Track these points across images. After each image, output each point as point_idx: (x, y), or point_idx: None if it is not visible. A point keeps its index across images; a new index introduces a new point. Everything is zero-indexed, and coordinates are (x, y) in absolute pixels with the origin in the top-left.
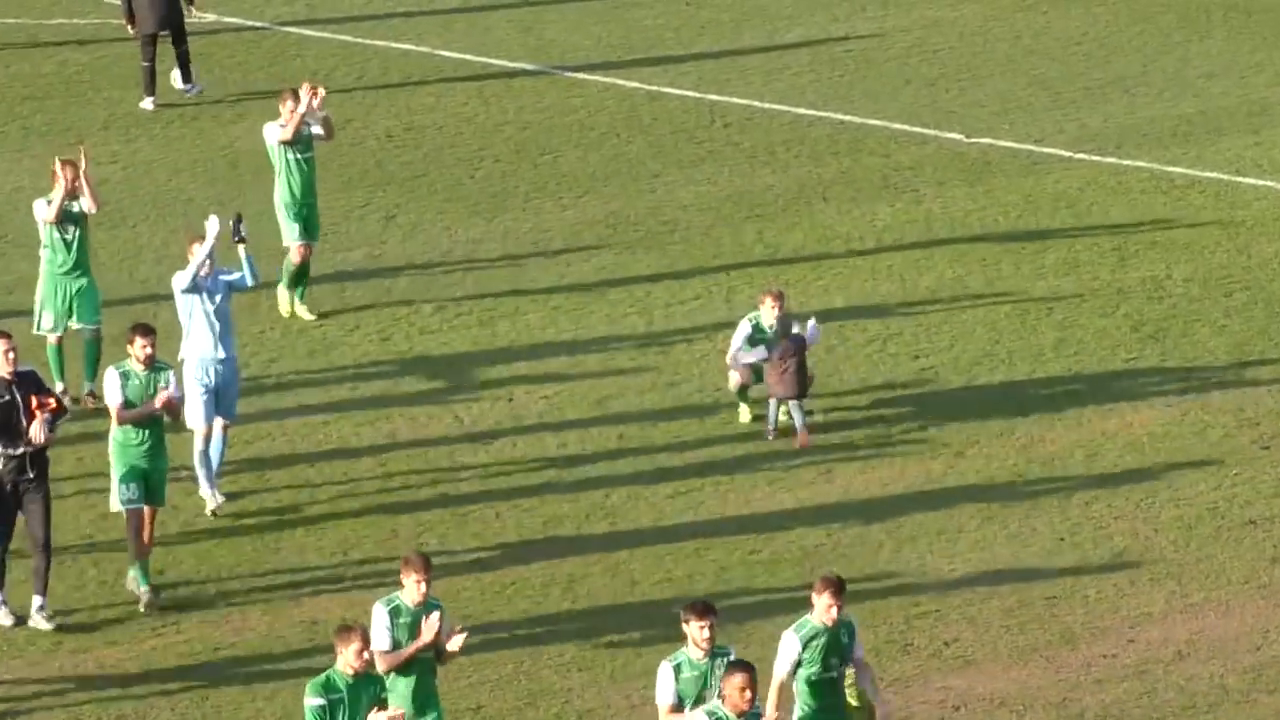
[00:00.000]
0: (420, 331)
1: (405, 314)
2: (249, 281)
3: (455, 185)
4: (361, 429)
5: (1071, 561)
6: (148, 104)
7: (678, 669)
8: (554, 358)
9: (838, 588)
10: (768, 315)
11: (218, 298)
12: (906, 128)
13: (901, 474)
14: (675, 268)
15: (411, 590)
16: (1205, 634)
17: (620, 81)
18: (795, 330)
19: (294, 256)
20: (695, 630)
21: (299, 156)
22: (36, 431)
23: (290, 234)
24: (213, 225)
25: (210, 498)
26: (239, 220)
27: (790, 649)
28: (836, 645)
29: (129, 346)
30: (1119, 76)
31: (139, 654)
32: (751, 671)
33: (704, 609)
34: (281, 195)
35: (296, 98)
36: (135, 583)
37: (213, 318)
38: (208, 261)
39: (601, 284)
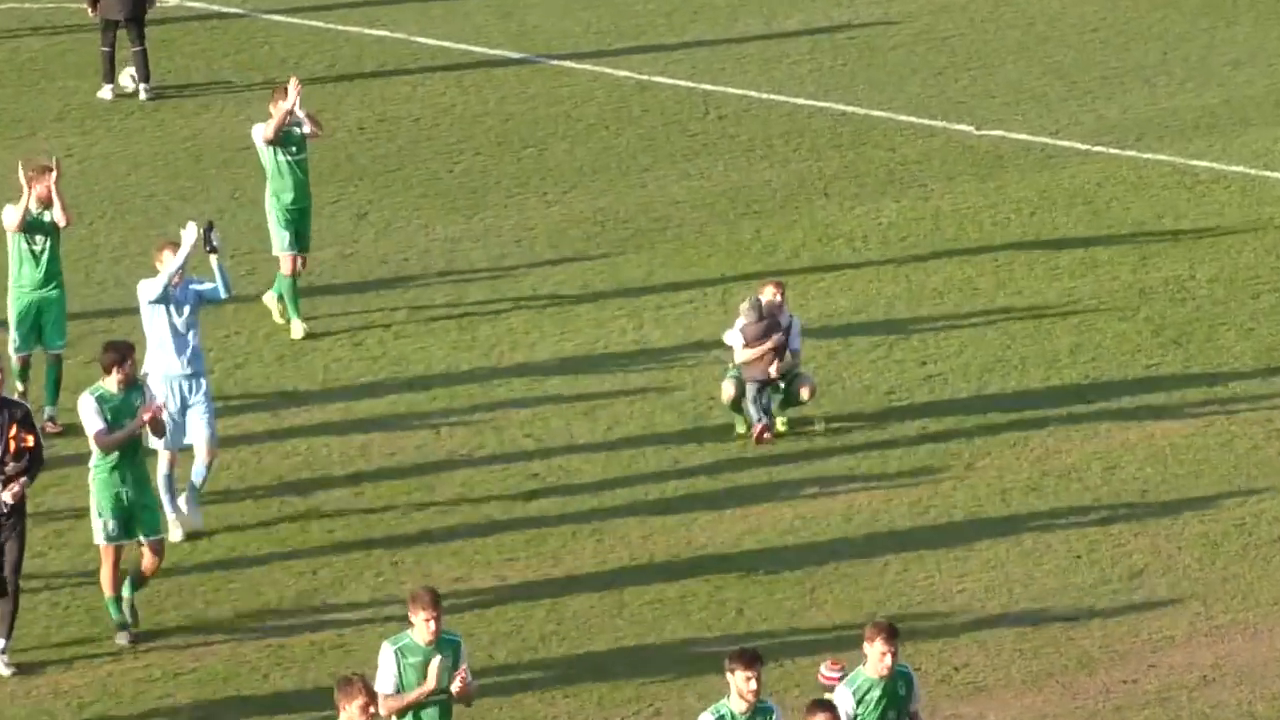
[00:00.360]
0: (395, 337)
1: (379, 318)
2: (222, 294)
3: (432, 180)
4: (331, 441)
5: (1089, 581)
6: (106, 93)
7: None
8: (538, 365)
9: (890, 634)
10: (767, 295)
11: (187, 309)
12: (913, 119)
13: (908, 488)
14: (667, 268)
15: (421, 629)
16: (1232, 658)
17: (609, 70)
18: (773, 317)
19: (284, 267)
20: (741, 681)
21: (288, 158)
22: (7, 497)
23: (279, 242)
24: (190, 233)
25: (181, 521)
26: (210, 228)
27: (844, 704)
28: (894, 698)
29: (106, 375)
30: (1139, 65)
31: (96, 680)
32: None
33: (751, 658)
34: (270, 200)
35: (286, 94)
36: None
37: (181, 331)
38: (179, 271)
39: (589, 286)
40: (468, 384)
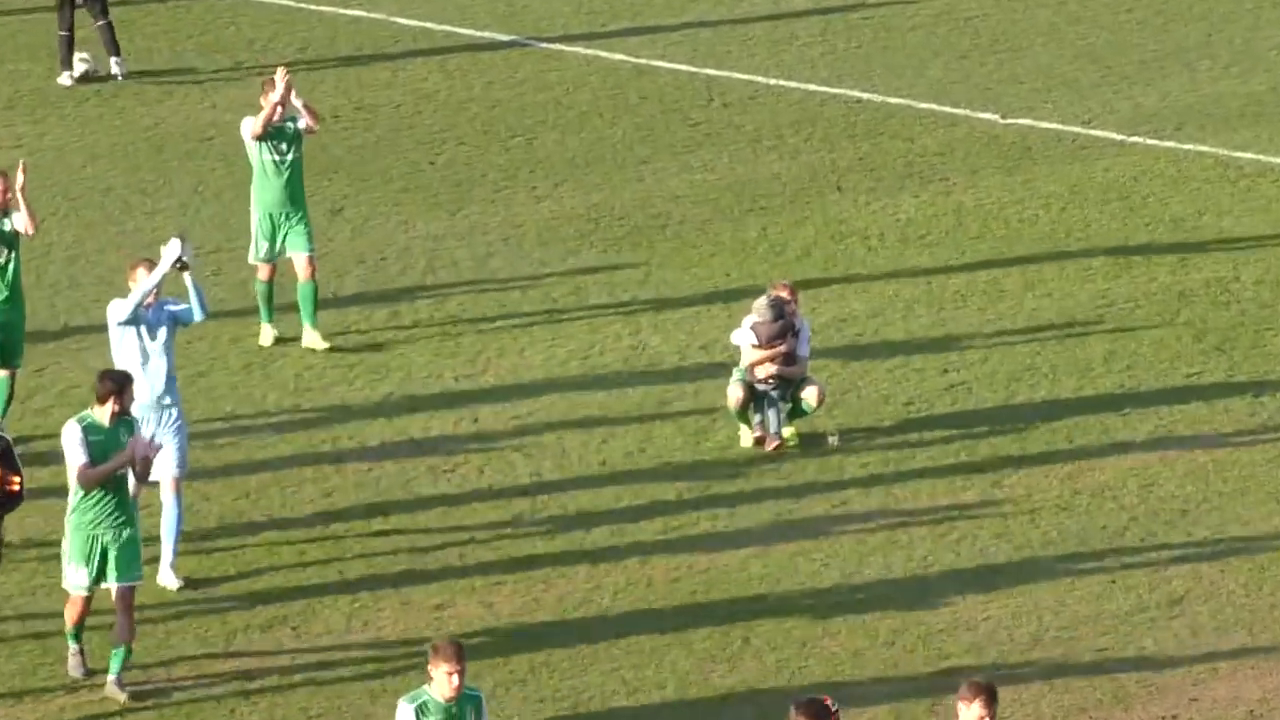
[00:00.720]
0: (371, 343)
1: (355, 321)
2: (197, 315)
3: (413, 173)
4: (303, 454)
5: (1125, 607)
6: (65, 79)
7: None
8: (527, 374)
9: (990, 696)
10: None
11: (161, 332)
12: (933, 107)
13: (929, 507)
14: (667, 269)
15: (442, 683)
16: None
17: (603, 53)
18: (787, 318)
19: (260, 274)
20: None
21: (275, 157)
22: None
23: (255, 250)
24: (172, 249)
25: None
26: (183, 242)
27: None
28: None
29: (99, 405)
30: (1179, 47)
31: (48, 715)
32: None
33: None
34: (254, 203)
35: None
36: (77, 664)
37: (153, 356)
38: (154, 291)
39: (582, 288)
40: (451, 395)
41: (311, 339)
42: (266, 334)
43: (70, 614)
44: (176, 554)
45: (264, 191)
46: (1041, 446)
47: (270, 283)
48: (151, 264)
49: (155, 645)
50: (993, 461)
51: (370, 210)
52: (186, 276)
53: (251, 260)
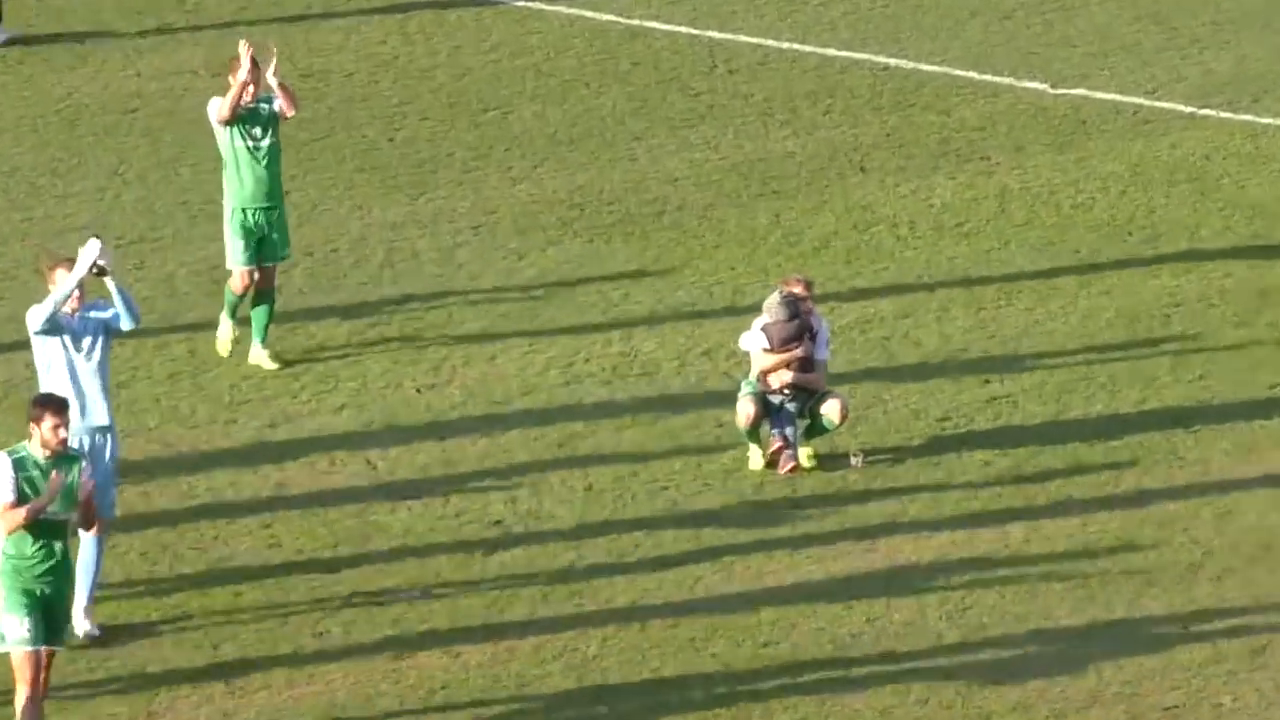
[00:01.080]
0: (319, 348)
1: (302, 323)
2: (125, 322)
3: (369, 151)
4: (242, 478)
5: (1199, 659)
6: None
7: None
8: (499, 383)
9: None
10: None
11: (88, 343)
12: (973, 75)
13: (967, 540)
14: (663, 262)
15: (47, 435)
16: None
17: (590, 14)
18: (803, 318)
19: (233, 282)
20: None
21: (248, 144)
22: None
23: (233, 253)
24: (87, 253)
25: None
26: (100, 244)
27: None
28: None
29: (34, 427)
30: (1257, 7)
31: None
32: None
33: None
34: (226, 197)
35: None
36: None
37: (81, 372)
38: (76, 293)
39: (565, 284)
40: (412, 410)
41: (259, 356)
42: (224, 334)
43: (24, 681)
44: (93, 599)
45: (237, 184)
46: (1099, 470)
47: (245, 296)
48: (72, 263)
49: (65, 708)
50: (1042, 488)
51: (320, 194)
52: (109, 282)
53: (231, 265)
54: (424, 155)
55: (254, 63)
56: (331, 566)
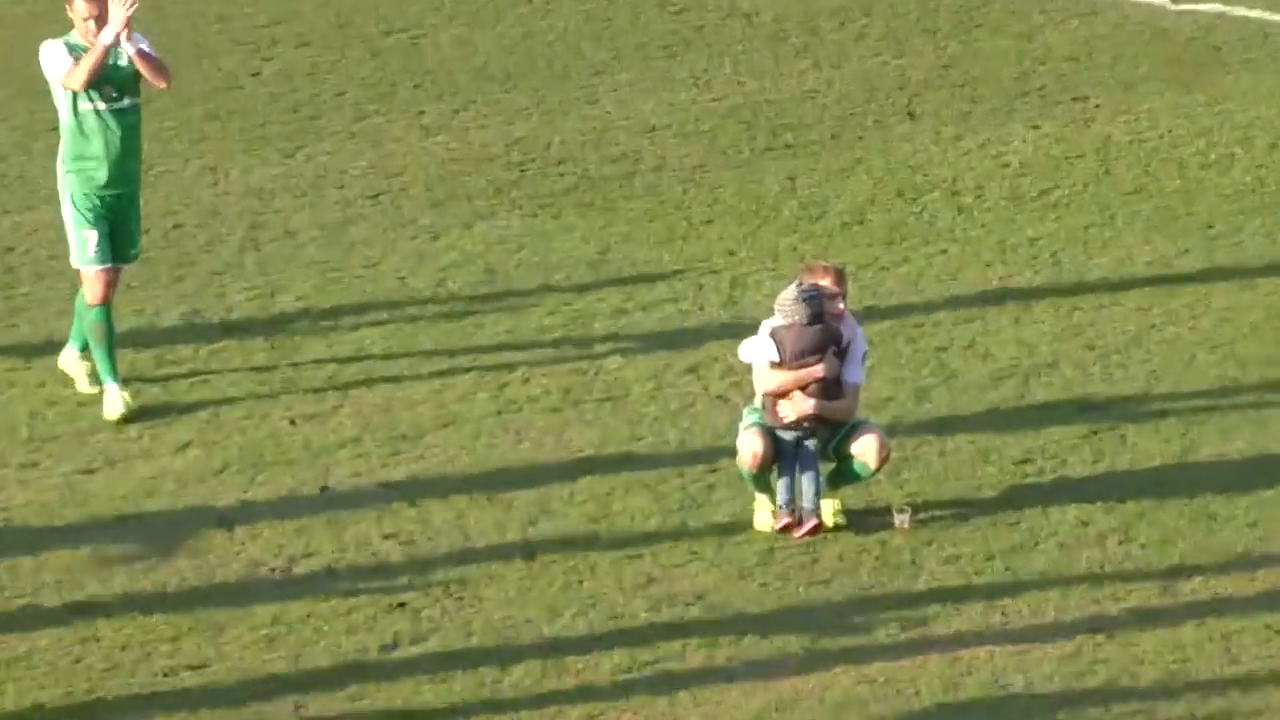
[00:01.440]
0: (159, 359)
1: (133, 327)
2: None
3: (226, 90)
4: (42, 535)
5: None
6: None
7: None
8: (408, 408)
9: None
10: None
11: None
12: None
13: (1053, 626)
14: (634, 242)
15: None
16: None
17: None
18: (830, 322)
19: (88, 292)
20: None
21: (100, 106)
22: None
23: (79, 249)
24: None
25: None
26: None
27: None
28: None
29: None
30: None
31: None
32: None
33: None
34: (63, 175)
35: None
36: None
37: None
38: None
39: (496, 272)
40: (285, 446)
41: (73, 366)
42: (112, 401)
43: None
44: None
45: (81, 157)
46: (1239, 528)
47: (105, 306)
48: None
49: None
50: (1160, 553)
51: (157, 149)
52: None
53: (76, 263)
54: (302, 97)
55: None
56: (169, 671)
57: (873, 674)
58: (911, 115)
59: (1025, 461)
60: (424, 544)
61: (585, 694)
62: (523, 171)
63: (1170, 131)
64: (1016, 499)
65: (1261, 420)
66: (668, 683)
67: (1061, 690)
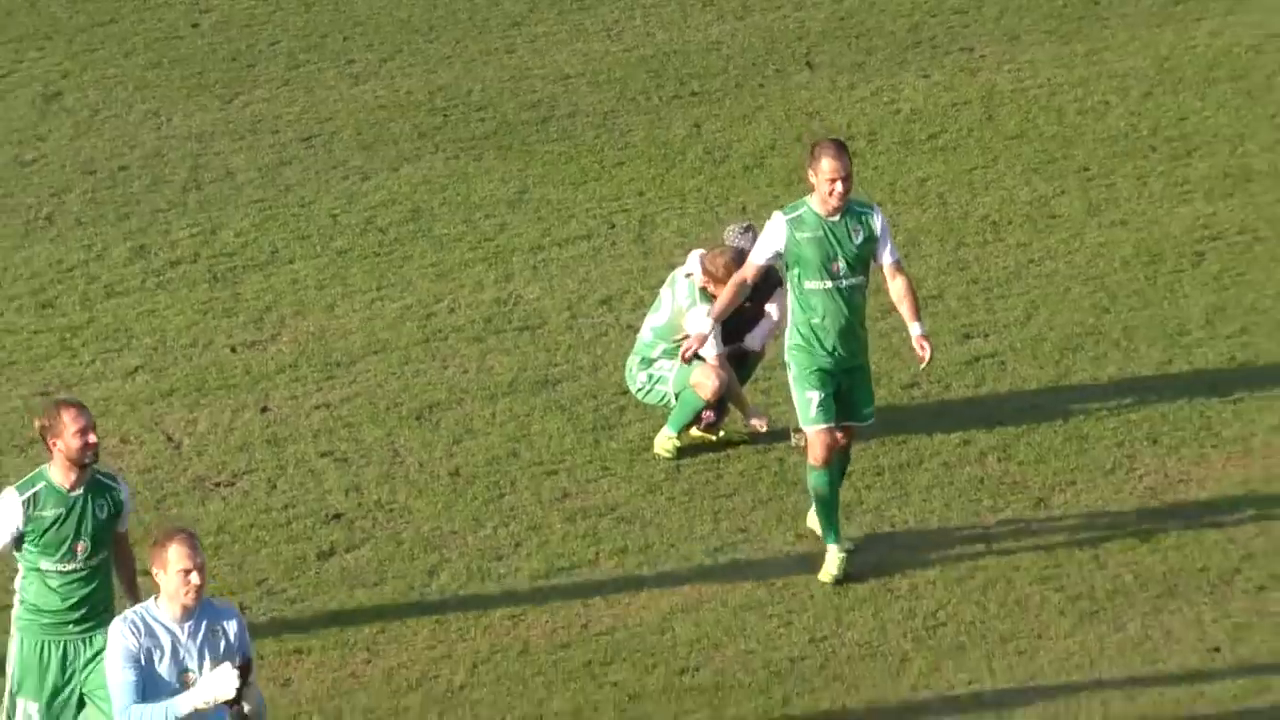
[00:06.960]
0: (108, 290)
1: (83, 262)
2: None
3: (166, 39)
4: (3, 460)
5: (1233, 690)
6: None
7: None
8: (339, 339)
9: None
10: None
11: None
12: None
13: (939, 538)
14: (550, 184)
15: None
16: None
17: None
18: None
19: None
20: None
21: (826, 285)
22: None
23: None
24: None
25: None
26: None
27: None
28: None
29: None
30: None
31: None
32: None
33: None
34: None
35: None
36: None
37: None
38: None
39: (422, 213)
40: (227, 371)
41: None
42: (830, 565)
43: None
44: None
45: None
46: (1109, 450)
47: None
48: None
49: None
50: (1036, 471)
51: (103, 96)
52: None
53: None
54: (239, 46)
55: None
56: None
57: (771, 578)
58: (810, 65)
59: (912, 386)
60: (357, 461)
61: (507, 598)
62: (446, 117)
63: (1050, 80)
64: (903, 421)
65: (1131, 348)
66: (582, 588)
67: (943, 593)
